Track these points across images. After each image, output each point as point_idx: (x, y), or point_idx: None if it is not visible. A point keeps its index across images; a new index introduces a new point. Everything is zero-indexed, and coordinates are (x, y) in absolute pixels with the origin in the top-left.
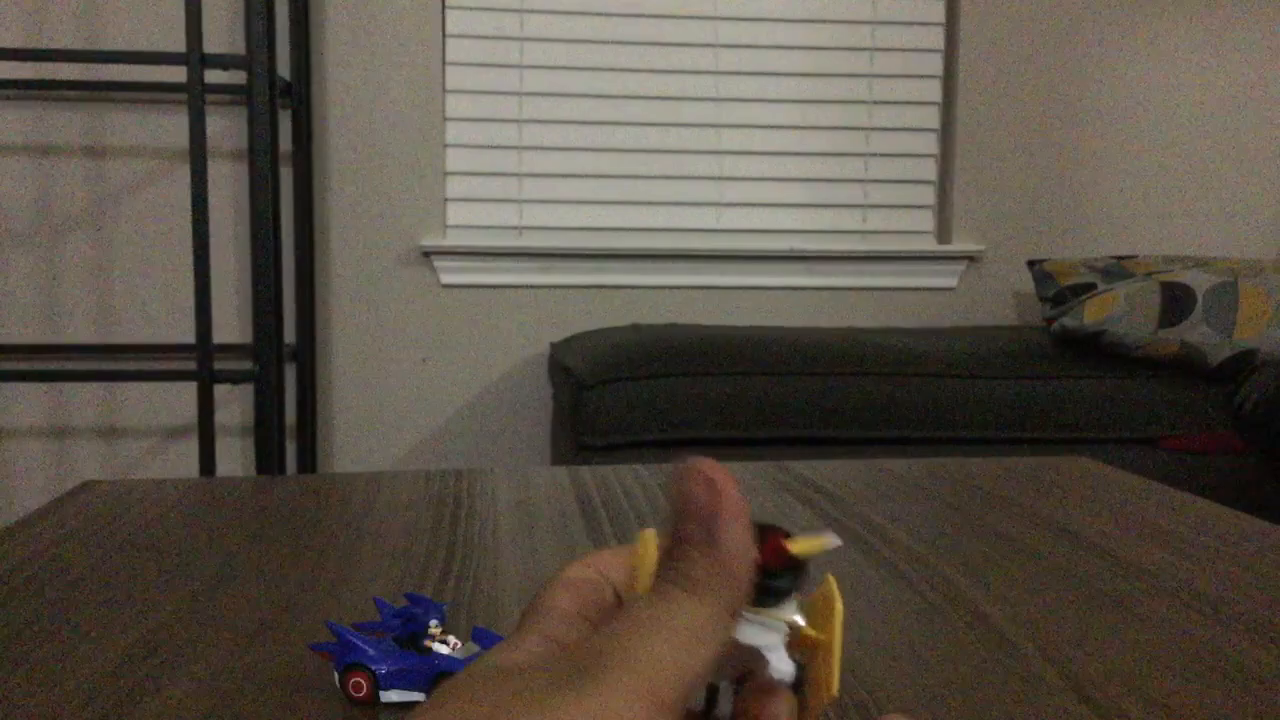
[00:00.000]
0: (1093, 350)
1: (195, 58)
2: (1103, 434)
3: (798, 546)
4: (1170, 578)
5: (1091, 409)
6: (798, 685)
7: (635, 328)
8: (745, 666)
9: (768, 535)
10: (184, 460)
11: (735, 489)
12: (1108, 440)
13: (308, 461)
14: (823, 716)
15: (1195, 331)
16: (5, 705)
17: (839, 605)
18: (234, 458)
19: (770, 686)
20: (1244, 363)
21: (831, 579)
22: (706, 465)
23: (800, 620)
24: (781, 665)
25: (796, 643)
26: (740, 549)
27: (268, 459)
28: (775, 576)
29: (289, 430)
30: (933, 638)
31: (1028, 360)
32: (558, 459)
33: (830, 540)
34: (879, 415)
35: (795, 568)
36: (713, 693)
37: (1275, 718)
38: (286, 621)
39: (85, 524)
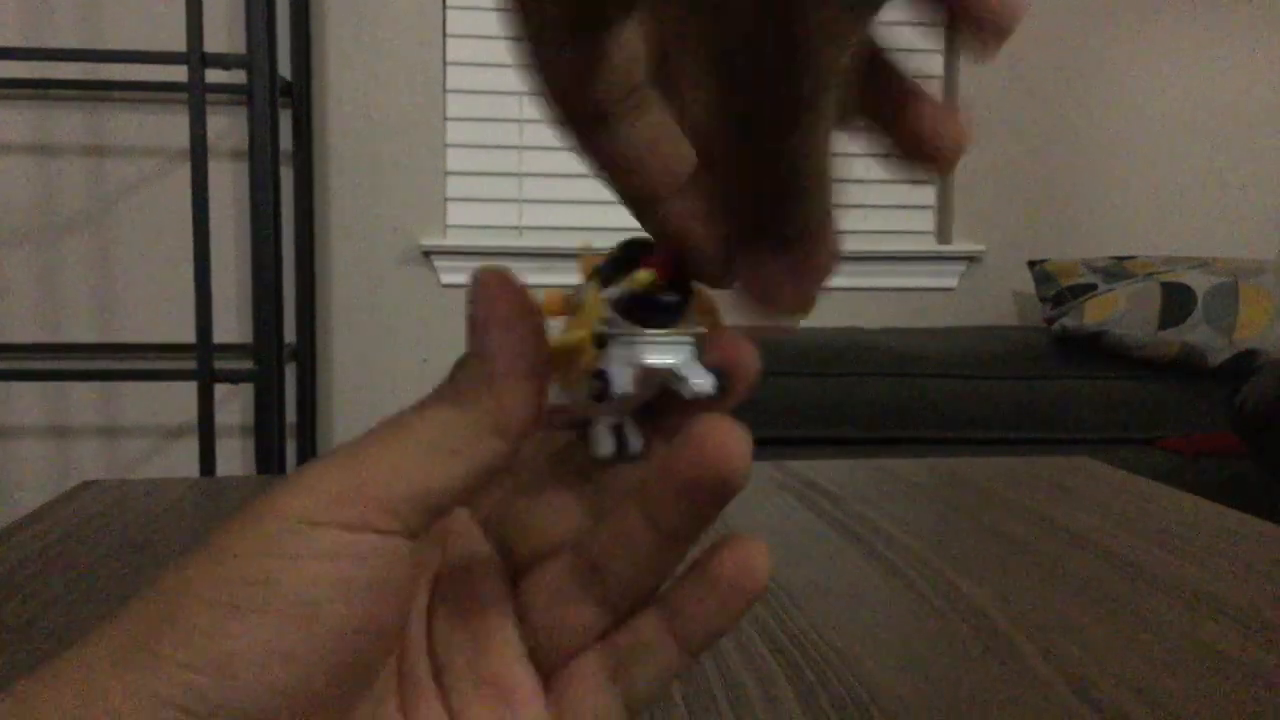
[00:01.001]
0: (1093, 350)
1: (196, 57)
2: (1103, 434)
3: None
4: (1170, 578)
5: (1091, 409)
6: (724, 390)
7: None
8: (660, 390)
9: (641, 254)
10: (184, 460)
11: (511, 294)
12: (1108, 440)
13: (308, 462)
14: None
15: (1195, 332)
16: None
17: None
18: (234, 458)
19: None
20: (1244, 363)
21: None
22: (490, 273)
23: (702, 328)
24: (698, 378)
25: (713, 351)
26: (508, 355)
27: (268, 459)
28: (663, 294)
29: (289, 430)
30: (933, 638)
31: (1028, 360)
32: None
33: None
34: (879, 415)
35: (681, 282)
36: (620, 434)
37: (1275, 717)
38: None
39: (85, 524)
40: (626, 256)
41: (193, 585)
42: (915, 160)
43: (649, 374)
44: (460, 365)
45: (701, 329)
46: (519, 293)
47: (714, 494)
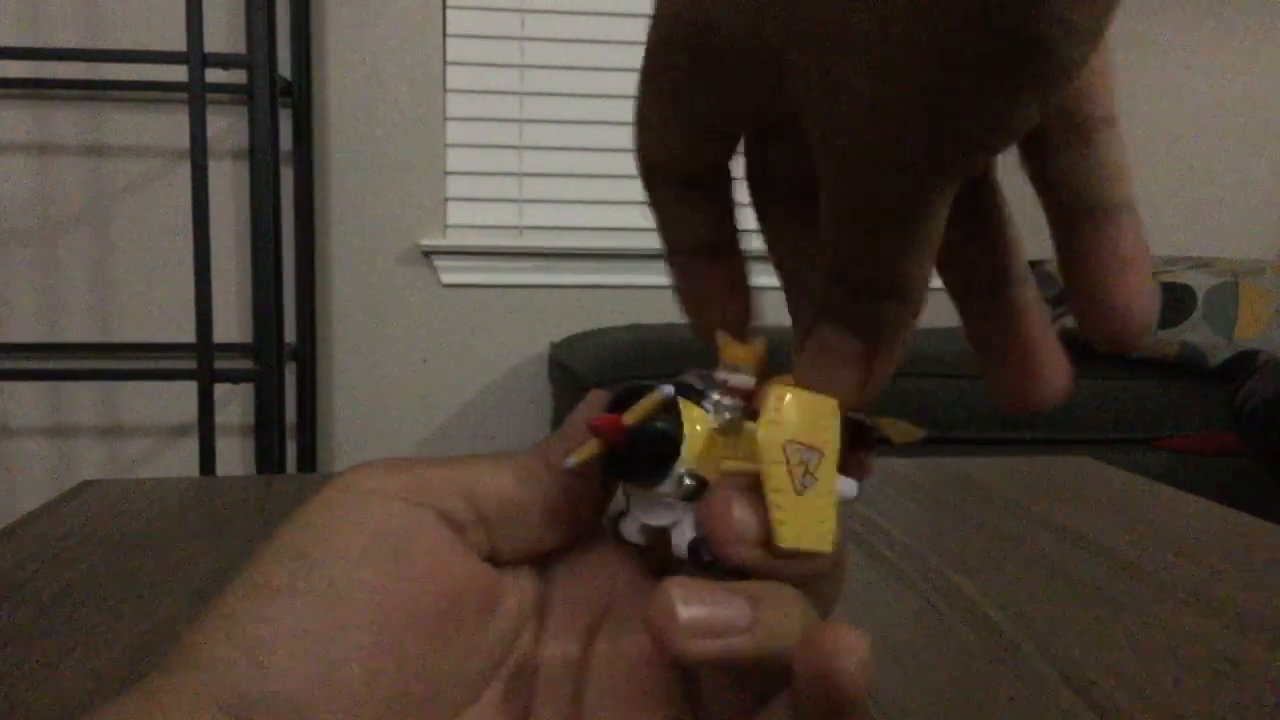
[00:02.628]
0: (1093, 350)
1: (196, 57)
2: (1103, 434)
3: (630, 415)
4: (1170, 578)
5: (1091, 409)
6: (710, 563)
7: (635, 328)
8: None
9: (614, 410)
10: (184, 460)
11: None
12: (1108, 440)
13: (308, 461)
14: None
15: (1195, 332)
16: (5, 705)
17: (764, 426)
18: (234, 458)
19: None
20: (1244, 363)
21: (775, 389)
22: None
23: (694, 481)
24: (681, 539)
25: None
26: (571, 431)
27: (268, 459)
28: (630, 453)
29: (289, 430)
30: (933, 638)
31: None
32: None
33: (662, 392)
34: (879, 415)
35: (650, 436)
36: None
37: (1275, 717)
38: None
39: (85, 524)
40: (608, 408)
41: (245, 567)
42: (1004, 394)
43: (658, 537)
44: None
45: (696, 481)
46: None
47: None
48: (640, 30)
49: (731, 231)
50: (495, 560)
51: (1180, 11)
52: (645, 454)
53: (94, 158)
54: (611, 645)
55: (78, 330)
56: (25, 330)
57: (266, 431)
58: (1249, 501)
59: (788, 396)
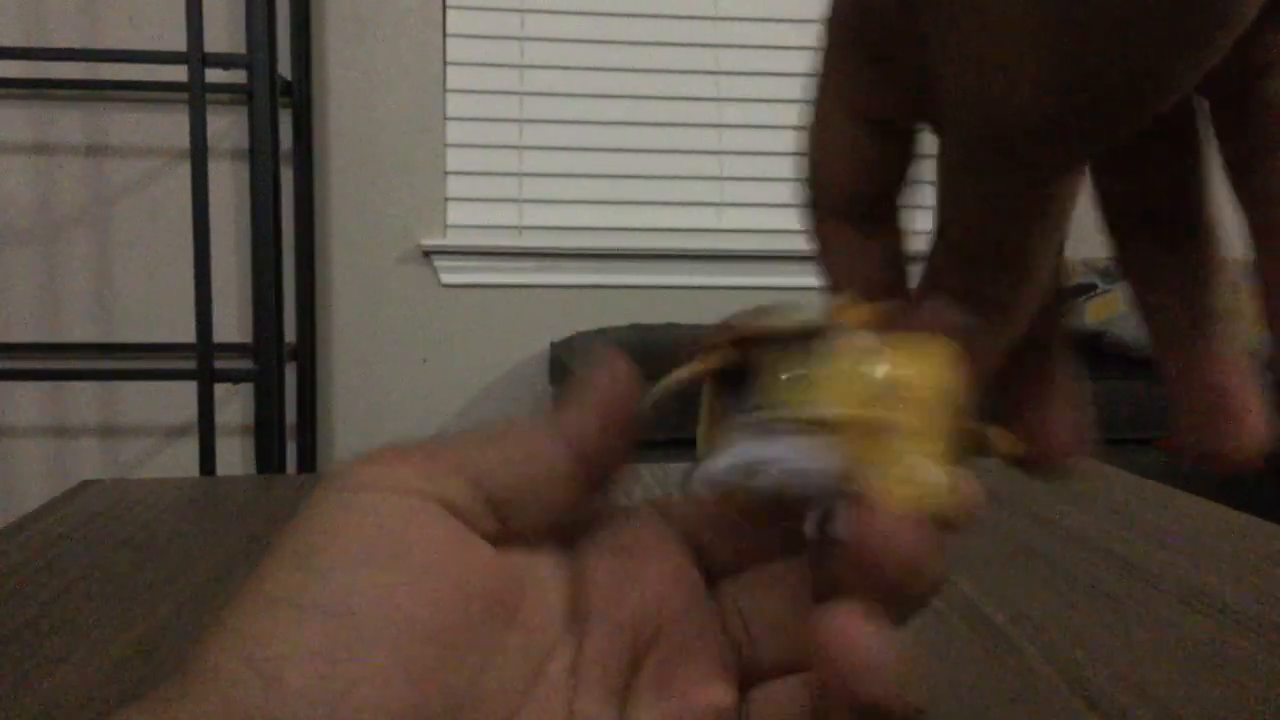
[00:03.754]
0: (1093, 350)
1: (196, 57)
2: (1103, 434)
3: (772, 319)
4: (1170, 578)
5: (1091, 409)
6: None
7: (635, 328)
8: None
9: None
10: (184, 460)
11: (623, 369)
12: (1108, 440)
13: (308, 461)
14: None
15: None
16: (4, 705)
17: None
18: (234, 458)
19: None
20: None
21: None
22: (614, 362)
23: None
24: (805, 491)
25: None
26: (600, 386)
27: (268, 459)
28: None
29: (289, 430)
30: (933, 638)
31: None
32: None
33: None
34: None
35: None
36: (827, 516)
37: (1275, 717)
38: None
39: (85, 524)
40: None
41: (253, 577)
42: (1186, 441)
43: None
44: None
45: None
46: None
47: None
48: (641, 30)
49: (901, 271)
50: (512, 541)
51: None
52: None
53: (94, 158)
54: (660, 692)
55: (78, 330)
56: (25, 330)
57: (266, 431)
58: (1249, 501)
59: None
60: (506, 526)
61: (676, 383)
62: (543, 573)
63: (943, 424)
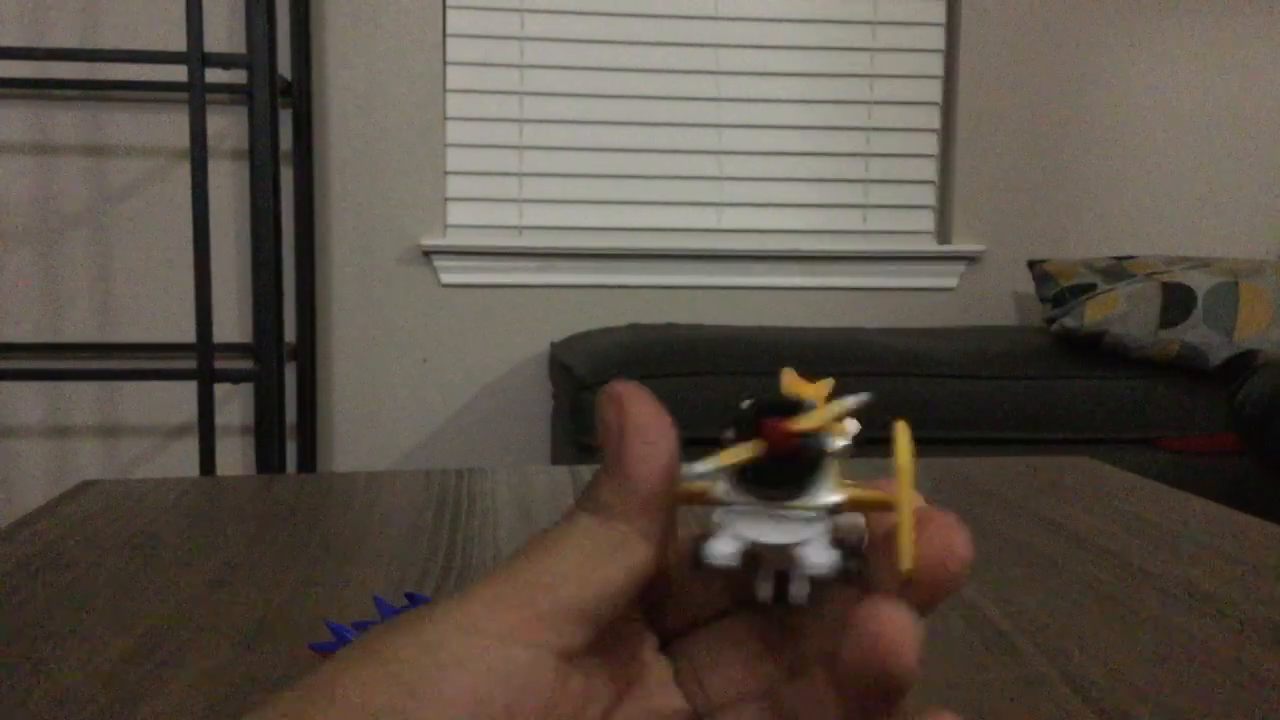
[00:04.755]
0: (1093, 350)
1: (196, 57)
2: (1103, 434)
3: (804, 423)
4: (1170, 578)
5: (1091, 409)
6: (850, 572)
7: (635, 328)
8: (782, 569)
9: (763, 418)
10: (184, 460)
11: (642, 405)
12: (1108, 440)
13: (308, 461)
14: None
15: (1195, 332)
16: (4, 705)
17: (903, 456)
18: (234, 458)
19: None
20: (1244, 363)
21: (900, 425)
22: (620, 387)
23: (837, 498)
24: (816, 558)
25: (849, 524)
26: (645, 466)
27: (268, 459)
28: (787, 461)
29: (289, 430)
30: (933, 638)
31: (1028, 360)
32: (558, 459)
33: (851, 401)
34: (879, 415)
35: (810, 447)
36: (783, 581)
37: (1275, 717)
38: (286, 621)
39: (85, 524)
40: (754, 416)
41: (340, 687)
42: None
43: (768, 553)
44: (598, 478)
45: (834, 498)
46: (651, 399)
47: (879, 688)
48: (641, 30)
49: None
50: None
51: (1181, 11)
52: (806, 463)
53: (94, 158)
54: None
55: (78, 330)
56: (25, 330)
57: (266, 431)
58: (1249, 501)
59: (908, 432)
60: (592, 626)
61: (721, 467)
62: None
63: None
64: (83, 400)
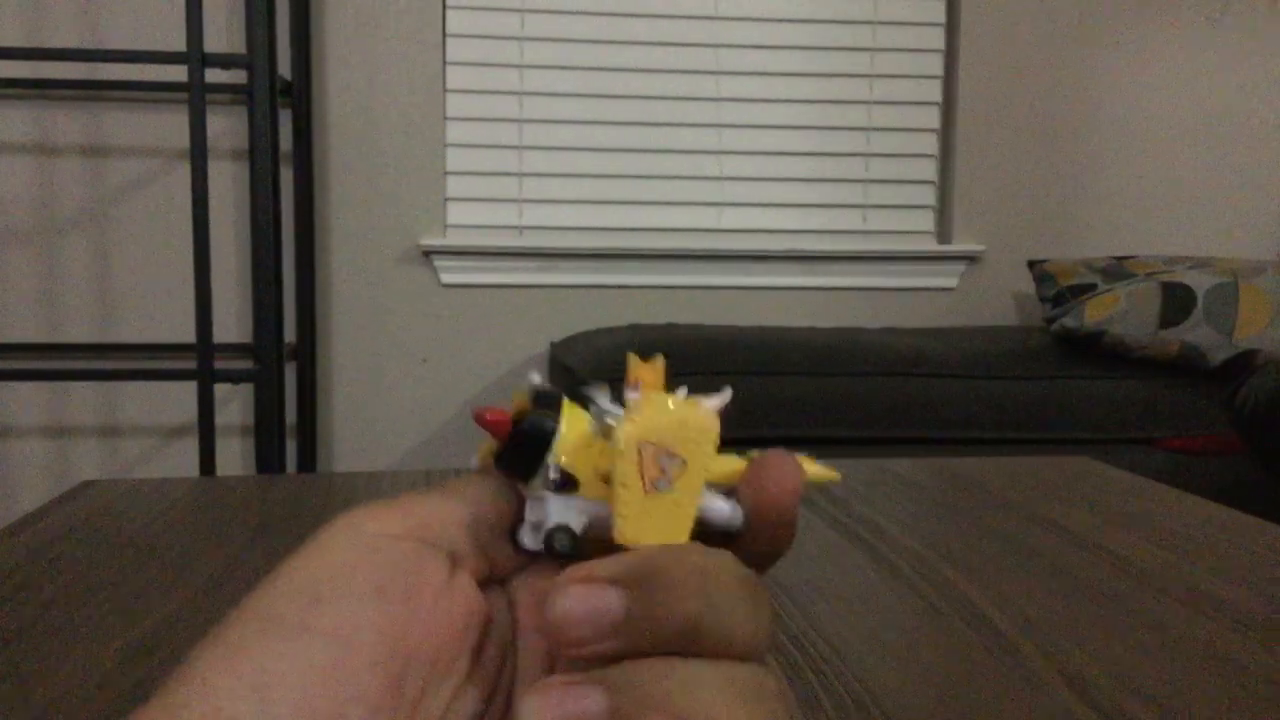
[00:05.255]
0: (1093, 350)
1: (195, 57)
2: (1103, 434)
3: (513, 410)
4: (1170, 578)
5: (1091, 409)
6: (555, 549)
7: (635, 328)
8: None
9: (486, 412)
10: (184, 460)
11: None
12: (1108, 440)
13: (308, 461)
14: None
15: (1195, 331)
16: (4, 705)
17: (628, 427)
18: (234, 458)
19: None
20: (1244, 363)
21: (637, 365)
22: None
23: (554, 476)
24: (542, 529)
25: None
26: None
27: (268, 459)
28: (512, 449)
29: (289, 430)
30: (933, 638)
31: (1028, 360)
32: None
33: (531, 382)
34: (879, 415)
35: (521, 430)
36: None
37: (1275, 717)
38: None
39: (85, 524)
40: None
41: (248, 601)
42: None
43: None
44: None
45: (555, 477)
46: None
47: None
48: (641, 30)
49: None
50: (483, 580)
51: (1180, 12)
52: (521, 445)
53: (94, 158)
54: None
55: (78, 330)
56: (25, 330)
57: (266, 431)
58: (1249, 501)
59: (657, 398)
60: (487, 569)
61: (481, 458)
62: (495, 601)
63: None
64: (83, 400)
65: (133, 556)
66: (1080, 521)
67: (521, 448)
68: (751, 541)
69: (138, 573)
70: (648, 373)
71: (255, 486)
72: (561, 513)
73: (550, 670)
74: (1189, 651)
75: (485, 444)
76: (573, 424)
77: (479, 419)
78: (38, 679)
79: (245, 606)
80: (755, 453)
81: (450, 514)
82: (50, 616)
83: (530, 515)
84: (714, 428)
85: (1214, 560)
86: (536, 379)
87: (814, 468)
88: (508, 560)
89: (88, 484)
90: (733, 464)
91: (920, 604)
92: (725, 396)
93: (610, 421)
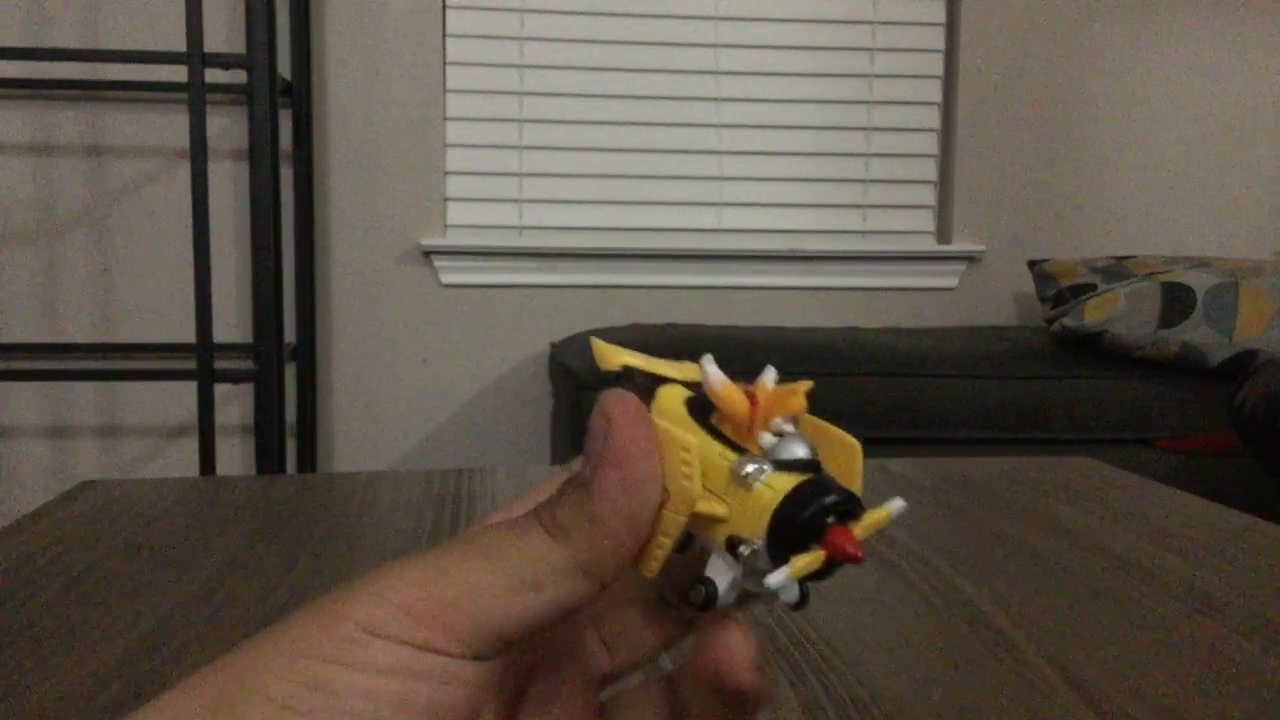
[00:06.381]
0: (1093, 350)
1: (195, 57)
2: (1103, 434)
3: (863, 530)
4: (1170, 578)
5: (1091, 409)
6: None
7: (635, 328)
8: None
9: (826, 521)
10: (184, 460)
11: (635, 432)
12: (1108, 440)
13: (308, 461)
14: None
15: (1195, 331)
16: (5, 705)
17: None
18: (234, 458)
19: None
20: (1244, 363)
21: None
22: (614, 402)
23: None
24: (789, 596)
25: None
26: (615, 499)
27: (268, 459)
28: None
29: (289, 430)
30: (933, 638)
31: (1028, 360)
32: (557, 459)
33: (893, 508)
34: (879, 415)
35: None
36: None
37: (1275, 717)
38: None
39: (85, 524)
40: (819, 518)
41: (254, 677)
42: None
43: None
44: (564, 492)
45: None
46: (647, 428)
47: (731, 698)
48: (641, 30)
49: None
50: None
51: (1181, 11)
52: (795, 540)
53: (94, 158)
54: (548, 705)
55: (78, 330)
56: (25, 330)
57: (266, 431)
58: (1249, 501)
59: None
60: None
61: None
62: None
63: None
64: (83, 400)
65: (133, 556)
66: (1080, 521)
67: (796, 542)
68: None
69: (138, 573)
70: (798, 401)
71: (255, 486)
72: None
73: (518, 675)
74: (1189, 652)
75: (810, 560)
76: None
77: (834, 545)
78: (38, 679)
79: (252, 680)
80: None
81: (494, 613)
82: (50, 616)
83: (746, 583)
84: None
85: (1214, 560)
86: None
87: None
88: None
89: (88, 484)
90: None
91: (920, 604)
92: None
93: (760, 485)
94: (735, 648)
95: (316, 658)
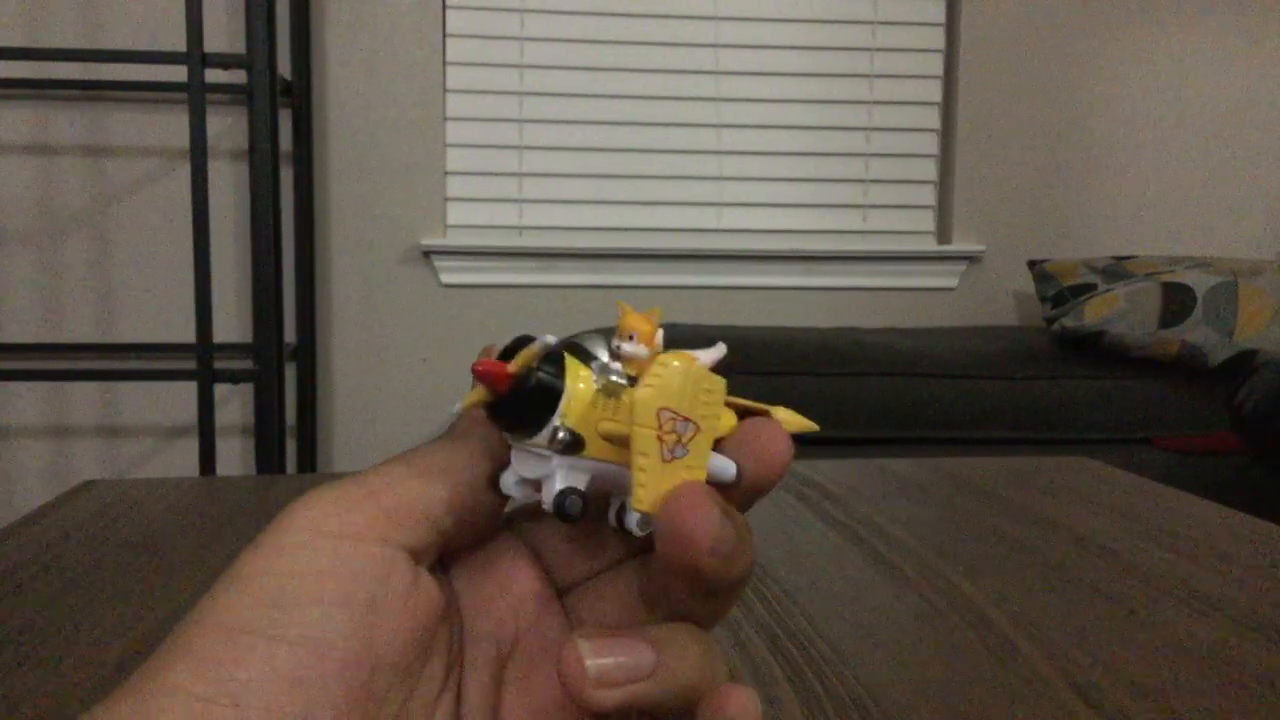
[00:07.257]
0: (1093, 350)
1: (195, 57)
2: (1103, 434)
3: (515, 364)
4: (1170, 578)
5: (1091, 409)
6: (566, 513)
7: None
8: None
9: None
10: (184, 460)
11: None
12: (1108, 440)
13: (308, 461)
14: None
15: (1195, 331)
16: (4, 705)
17: (644, 392)
18: (234, 458)
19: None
20: (1244, 363)
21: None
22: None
23: (564, 436)
24: (549, 493)
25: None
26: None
27: (268, 459)
28: (513, 400)
29: (289, 430)
30: (933, 638)
31: (1028, 360)
32: None
33: (544, 342)
34: (879, 415)
35: (528, 386)
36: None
37: (1275, 717)
38: None
39: (85, 524)
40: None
41: (211, 609)
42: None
43: (531, 486)
44: (455, 421)
45: (566, 437)
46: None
47: (688, 580)
48: (641, 30)
49: None
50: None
51: (1180, 11)
52: (525, 402)
53: (94, 158)
54: (523, 692)
55: (78, 330)
56: (25, 330)
57: (266, 431)
58: (1249, 501)
59: (674, 363)
60: (441, 555)
61: (466, 406)
62: (448, 595)
63: (715, 417)
64: (83, 400)
65: (133, 556)
66: (1080, 521)
67: (525, 403)
68: (741, 493)
69: (138, 573)
70: (642, 323)
71: (255, 486)
72: (568, 475)
73: (499, 656)
74: (1189, 652)
75: (474, 393)
76: (575, 381)
77: (476, 372)
78: (38, 678)
79: (207, 613)
80: (740, 401)
81: (419, 499)
82: (50, 616)
83: (521, 468)
84: (722, 390)
85: (1214, 560)
86: (551, 340)
87: (794, 421)
88: (477, 531)
89: (88, 484)
90: (729, 420)
91: (920, 604)
92: (720, 351)
93: (617, 380)
94: (693, 529)
95: (266, 572)
